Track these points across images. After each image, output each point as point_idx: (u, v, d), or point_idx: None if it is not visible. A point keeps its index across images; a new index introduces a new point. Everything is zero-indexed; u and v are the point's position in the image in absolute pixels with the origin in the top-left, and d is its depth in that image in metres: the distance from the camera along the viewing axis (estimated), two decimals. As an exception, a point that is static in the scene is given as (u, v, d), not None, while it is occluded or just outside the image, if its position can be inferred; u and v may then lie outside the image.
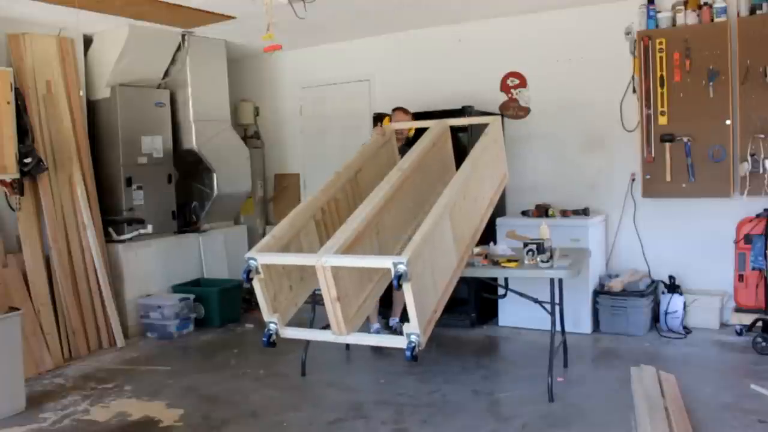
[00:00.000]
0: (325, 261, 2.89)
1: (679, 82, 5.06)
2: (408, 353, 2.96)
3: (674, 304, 5.06)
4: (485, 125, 4.33)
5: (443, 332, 5.37)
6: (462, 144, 5.25)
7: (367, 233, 3.33)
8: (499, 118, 4.39)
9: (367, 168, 4.22)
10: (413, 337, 2.97)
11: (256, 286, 3.18)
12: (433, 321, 3.20)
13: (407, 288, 2.87)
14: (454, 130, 4.95)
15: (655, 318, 5.17)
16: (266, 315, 3.26)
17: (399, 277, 2.83)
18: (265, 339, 3.25)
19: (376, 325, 4.81)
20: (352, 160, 4.17)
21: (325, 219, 3.76)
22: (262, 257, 3.13)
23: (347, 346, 4.88)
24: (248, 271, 3.12)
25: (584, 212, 5.35)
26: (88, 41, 5.75)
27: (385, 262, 2.92)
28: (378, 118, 5.26)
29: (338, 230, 3.25)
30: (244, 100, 7.31)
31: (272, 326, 3.25)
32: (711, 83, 4.94)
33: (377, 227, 3.45)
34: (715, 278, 5.17)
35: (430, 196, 4.02)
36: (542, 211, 5.38)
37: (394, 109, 5.04)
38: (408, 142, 4.85)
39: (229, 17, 5.47)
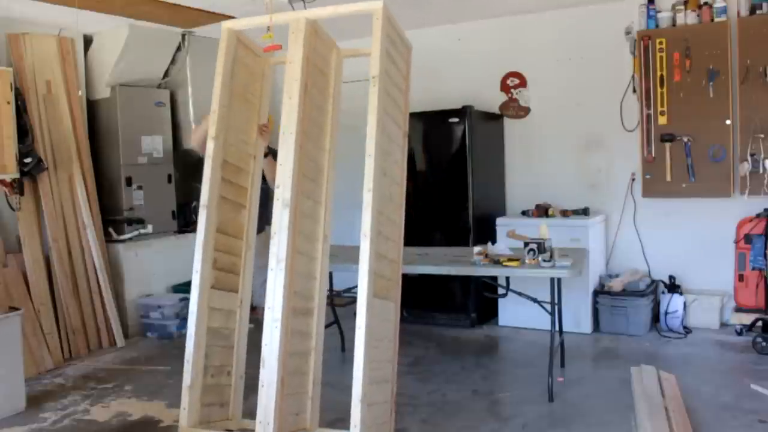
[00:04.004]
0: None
1: (679, 82, 5.06)
2: None
3: (674, 303, 5.07)
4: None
5: (443, 332, 5.38)
6: (456, 136, 5.25)
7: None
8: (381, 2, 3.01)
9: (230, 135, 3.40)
10: None
11: None
12: (393, 401, 3.05)
13: None
14: (448, 119, 4.86)
15: (655, 318, 5.17)
16: None
17: None
18: None
19: None
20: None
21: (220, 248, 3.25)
22: None
23: (343, 347, 4.90)
24: None
25: (584, 212, 5.35)
26: (88, 41, 5.74)
27: None
28: None
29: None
30: (244, 100, 7.29)
31: None
32: (711, 83, 4.93)
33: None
34: (715, 278, 5.17)
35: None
36: (542, 211, 5.39)
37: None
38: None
39: (229, 17, 5.46)
